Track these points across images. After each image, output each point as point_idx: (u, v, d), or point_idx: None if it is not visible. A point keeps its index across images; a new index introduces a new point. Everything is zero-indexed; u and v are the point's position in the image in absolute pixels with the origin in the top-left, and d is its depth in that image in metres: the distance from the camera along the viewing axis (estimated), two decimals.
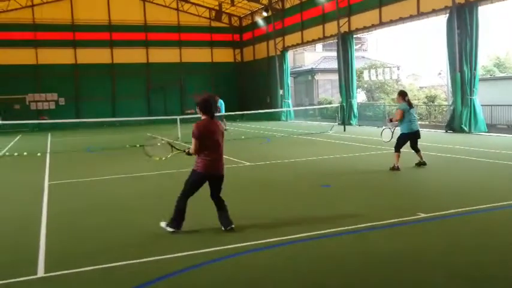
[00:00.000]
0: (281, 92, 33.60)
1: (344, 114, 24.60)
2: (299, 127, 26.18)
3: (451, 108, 20.02)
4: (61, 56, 34.96)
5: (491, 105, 20.97)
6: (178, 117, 20.80)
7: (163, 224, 6.26)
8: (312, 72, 38.71)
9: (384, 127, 12.27)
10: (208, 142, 6.07)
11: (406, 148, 11.82)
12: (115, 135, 24.68)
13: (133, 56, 36.89)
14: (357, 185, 9.32)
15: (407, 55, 50.90)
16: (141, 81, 37.36)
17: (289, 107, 33.18)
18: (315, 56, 41.75)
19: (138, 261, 5.24)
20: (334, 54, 31.44)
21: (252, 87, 38.89)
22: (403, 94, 10.99)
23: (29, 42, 34.28)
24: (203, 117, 6.17)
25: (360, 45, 43.78)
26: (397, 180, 9.77)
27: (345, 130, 21.83)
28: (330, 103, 32.54)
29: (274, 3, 33.79)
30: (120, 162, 13.92)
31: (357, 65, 28.64)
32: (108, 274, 4.96)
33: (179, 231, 6.21)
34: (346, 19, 26.50)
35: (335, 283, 4.58)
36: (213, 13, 38.65)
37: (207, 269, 4.97)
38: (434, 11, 20.70)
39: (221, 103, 25.43)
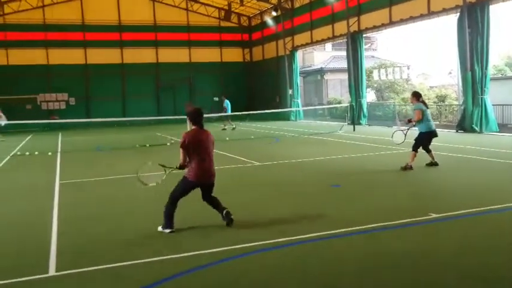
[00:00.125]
0: (290, 91, 33.56)
1: (353, 114, 24.52)
2: (308, 127, 26.13)
3: (462, 107, 19.87)
4: (71, 56, 35.22)
5: (503, 105, 20.79)
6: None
7: (160, 229, 6.37)
8: (321, 71, 38.62)
9: (395, 129, 12.16)
10: (198, 151, 6.25)
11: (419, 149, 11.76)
12: (125, 135, 24.79)
13: (143, 56, 37.06)
14: (367, 185, 9.27)
15: (417, 54, 50.61)
16: (150, 81, 37.52)
17: (298, 106, 33.12)
18: (324, 55, 41.65)
19: (144, 261, 5.26)
20: (344, 53, 31.31)
21: (261, 87, 38.88)
22: (417, 95, 10.93)
23: (40, 43, 34.58)
24: (193, 127, 6.39)
25: (369, 44, 43.60)
26: (408, 180, 9.72)
27: (354, 130, 21.75)
28: (339, 103, 32.45)
29: (284, 3, 33.74)
30: (130, 162, 13.97)
31: (366, 64, 28.53)
32: (117, 274, 4.98)
33: (176, 230, 6.28)
34: (356, 18, 26.40)
35: (346, 284, 4.56)
36: (222, 13, 38.70)
37: (215, 270, 4.96)
38: (445, 10, 20.55)
39: (227, 103, 25.46)
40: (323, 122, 29.73)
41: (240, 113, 26.83)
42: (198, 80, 38.08)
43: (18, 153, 17.51)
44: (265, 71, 38.34)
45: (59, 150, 18.30)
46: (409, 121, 11.02)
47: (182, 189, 6.36)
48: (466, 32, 18.84)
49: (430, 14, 21.52)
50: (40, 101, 34.70)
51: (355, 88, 26.69)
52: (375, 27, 25.50)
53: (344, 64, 29.96)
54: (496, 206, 7.11)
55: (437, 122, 23.63)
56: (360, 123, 25.43)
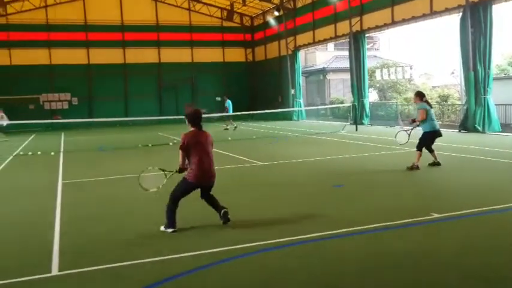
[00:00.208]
0: (293, 91, 33.56)
1: (356, 114, 24.49)
2: (311, 127, 26.12)
3: (465, 107, 19.84)
4: (74, 56, 35.31)
5: (506, 105, 20.74)
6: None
7: (162, 228, 6.38)
8: (323, 71, 38.58)
9: (398, 129, 12.12)
10: (198, 151, 6.27)
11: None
12: (127, 135, 24.83)
13: (145, 56, 37.12)
14: (369, 185, 9.26)
15: (419, 54, 50.52)
16: (153, 81, 37.57)
17: (300, 106, 33.11)
18: (326, 55, 41.59)
19: (145, 260, 5.27)
20: (346, 53, 31.32)
21: (264, 86, 38.89)
22: (420, 95, 10.91)
23: (43, 43, 34.68)
24: (191, 129, 6.40)
25: (372, 44, 43.53)
26: (410, 180, 9.70)
27: (356, 130, 21.73)
28: (341, 103, 32.41)
29: (286, 3, 33.74)
30: (132, 162, 13.99)
31: (369, 64, 28.50)
32: (118, 274, 4.99)
33: (178, 230, 6.29)
34: (358, 18, 26.38)
35: (347, 284, 4.55)
36: (225, 13, 38.71)
37: (216, 270, 4.96)
38: (448, 10, 20.52)
39: (229, 103, 25.46)
40: (325, 122, 29.72)
41: (243, 112, 26.84)
42: (200, 80, 38.12)
43: (21, 153, 17.55)
44: (268, 71, 38.34)
45: (62, 150, 18.33)
46: (413, 121, 10.98)
47: (183, 190, 6.38)
48: (468, 32, 18.81)
49: (433, 13, 21.48)
50: (43, 101, 34.80)
51: (358, 88, 26.67)
52: (377, 27, 25.48)
53: (346, 64, 29.94)
54: (498, 206, 7.09)
55: (440, 122, 23.47)
56: (362, 123, 25.42)
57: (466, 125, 19.33)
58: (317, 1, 30.92)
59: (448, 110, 24.79)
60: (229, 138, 20.24)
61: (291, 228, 6.32)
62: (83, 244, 6.03)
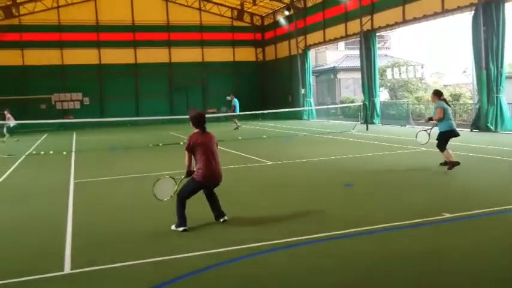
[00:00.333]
0: (303, 91, 33.50)
1: (367, 113, 24.39)
2: (321, 126, 26.07)
3: (477, 106, 19.67)
4: (86, 57, 35.58)
5: None
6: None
7: (173, 227, 6.47)
8: (334, 70, 38.48)
9: (419, 130, 12.02)
10: (204, 152, 6.43)
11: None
12: (138, 134, 24.97)
13: (156, 55, 37.27)
14: (380, 184, 9.23)
15: (431, 53, 50.15)
16: (163, 80, 37.73)
17: (311, 106, 33.05)
18: (337, 54, 41.48)
19: (155, 259, 5.31)
20: (357, 52, 31.17)
21: (274, 86, 38.86)
22: (438, 93, 10.73)
23: (55, 43, 35.00)
24: (195, 131, 6.58)
25: (382, 43, 43.33)
26: (422, 180, 9.64)
27: (367, 129, 21.64)
28: (352, 102, 32.30)
29: (296, 2, 33.69)
30: (143, 161, 14.09)
31: (379, 63, 28.37)
32: (128, 272, 5.04)
33: (189, 229, 6.35)
34: (369, 17, 26.26)
35: (356, 285, 4.53)
36: (235, 12, 38.77)
37: (224, 270, 4.97)
38: (460, 8, 20.35)
39: (236, 102, 25.47)
40: (336, 121, 29.63)
41: (253, 112, 26.85)
42: (210, 80, 38.19)
43: (34, 152, 17.75)
44: (278, 70, 38.31)
45: (74, 149, 18.50)
46: (430, 119, 10.79)
47: (191, 189, 6.51)
48: (481, 30, 18.64)
49: (444, 12, 21.32)
50: (55, 101, 35.12)
51: (368, 87, 26.56)
52: (388, 26, 25.34)
53: (357, 63, 29.82)
54: (511, 206, 7.02)
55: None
56: (373, 123, 25.30)
57: (478, 124, 19.17)
58: (327, 0, 30.82)
59: (460, 109, 24.59)
60: (240, 138, 20.27)
61: (299, 228, 6.32)
62: (95, 243, 6.09)
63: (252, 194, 8.96)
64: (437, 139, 10.65)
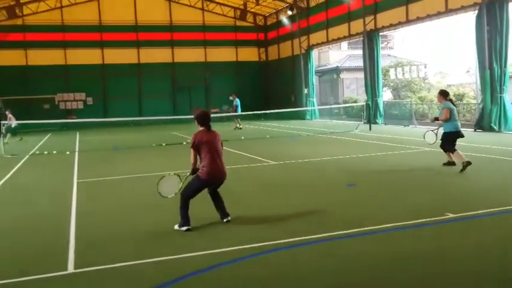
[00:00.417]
0: (306, 90, 33.48)
1: (370, 113, 24.35)
2: (324, 126, 26.04)
3: (480, 106, 19.61)
4: (89, 57, 35.64)
5: None
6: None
7: (176, 227, 6.47)
8: (337, 70, 38.42)
9: (426, 130, 11.98)
10: (208, 149, 6.47)
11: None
12: (141, 134, 25.00)
13: (159, 55, 37.31)
14: (383, 184, 9.22)
15: (434, 52, 49.96)
16: (166, 80, 37.77)
17: (314, 105, 33.02)
18: (340, 54, 41.40)
19: (158, 259, 5.31)
20: (360, 52, 31.13)
21: (277, 86, 38.85)
22: (444, 93, 10.67)
23: (58, 43, 35.09)
24: (200, 129, 6.60)
25: (386, 43, 43.24)
26: (425, 180, 9.62)
27: (370, 129, 21.61)
28: (355, 102, 32.24)
29: (299, 2, 33.66)
30: (146, 161, 14.11)
31: (382, 63, 28.29)
32: (131, 272, 5.04)
33: (192, 229, 6.35)
34: (372, 17, 26.22)
35: (359, 285, 4.53)
36: (238, 12, 38.77)
37: (227, 269, 4.98)
38: (463, 8, 20.29)
39: (237, 102, 25.46)
40: (339, 121, 29.60)
41: (256, 112, 26.84)
42: (213, 80, 38.19)
43: (37, 152, 17.79)
44: (281, 70, 38.30)
45: (77, 149, 18.53)
46: (436, 119, 10.71)
47: (195, 188, 6.52)
48: (484, 30, 18.60)
49: (448, 11, 21.27)
50: (58, 101, 35.22)
51: (371, 87, 26.52)
52: (392, 26, 25.30)
53: (360, 63, 29.77)
54: None
55: None
56: (376, 123, 25.26)
57: (482, 124, 19.12)
58: (330, 0, 30.80)
59: (464, 109, 24.50)
60: (243, 138, 20.27)
61: (302, 227, 6.32)
62: (98, 242, 6.10)
63: (254, 193, 8.96)
64: (441, 139, 10.62)
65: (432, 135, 11.12)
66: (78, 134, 26.96)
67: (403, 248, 5.44)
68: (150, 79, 37.07)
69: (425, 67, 33.54)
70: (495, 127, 18.49)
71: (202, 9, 38.46)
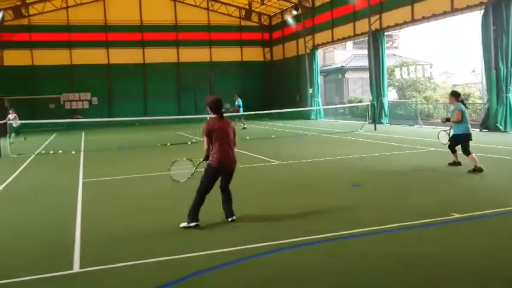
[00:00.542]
0: (311, 90, 33.44)
1: (375, 113, 24.29)
2: (329, 126, 26.00)
3: (486, 106, 19.54)
4: (94, 57, 35.74)
5: None
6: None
7: (184, 224, 6.48)
8: (342, 70, 38.36)
9: (439, 130, 11.95)
10: (219, 137, 6.52)
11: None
12: (146, 134, 25.04)
13: (164, 55, 37.38)
14: (388, 184, 9.19)
15: (440, 52, 49.73)
16: (172, 80, 37.84)
17: (318, 105, 32.98)
18: (345, 54, 41.33)
19: (163, 259, 5.33)
20: (365, 52, 31.06)
21: (282, 86, 38.83)
22: (456, 94, 10.53)
23: (64, 43, 35.22)
24: (213, 116, 6.68)
25: (391, 42, 43.12)
26: (430, 180, 9.59)
27: (375, 129, 21.55)
28: (360, 101, 32.17)
29: (304, 2, 33.64)
30: (151, 161, 14.14)
31: (388, 62, 28.23)
32: (136, 272, 5.06)
33: (200, 226, 6.40)
34: (378, 16, 26.16)
35: (363, 285, 4.52)
36: (243, 12, 38.78)
37: (230, 270, 4.98)
38: (469, 7, 20.20)
39: (240, 102, 25.43)
40: (344, 121, 29.54)
41: (260, 112, 26.84)
42: (218, 79, 38.20)
43: (43, 152, 17.87)
44: (286, 70, 38.28)
45: (82, 149, 18.60)
46: (447, 120, 10.56)
47: (208, 178, 6.52)
48: (490, 30, 18.52)
49: (454, 11, 21.18)
50: (63, 101, 35.36)
51: (377, 87, 26.45)
52: (397, 25, 25.22)
53: (365, 63, 29.70)
54: None
55: None
56: (381, 122, 25.20)
57: (488, 124, 19.04)
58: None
59: (469, 108, 24.32)
60: (248, 138, 20.27)
61: (306, 227, 6.31)
62: (103, 242, 6.12)
63: (258, 193, 8.96)
64: (449, 140, 10.56)
65: (445, 135, 11.06)
66: (83, 133, 27.05)
67: (408, 248, 5.42)
68: (155, 79, 37.13)
69: (430, 67, 33.40)
70: (501, 127, 18.40)
71: (208, 9, 38.50)
